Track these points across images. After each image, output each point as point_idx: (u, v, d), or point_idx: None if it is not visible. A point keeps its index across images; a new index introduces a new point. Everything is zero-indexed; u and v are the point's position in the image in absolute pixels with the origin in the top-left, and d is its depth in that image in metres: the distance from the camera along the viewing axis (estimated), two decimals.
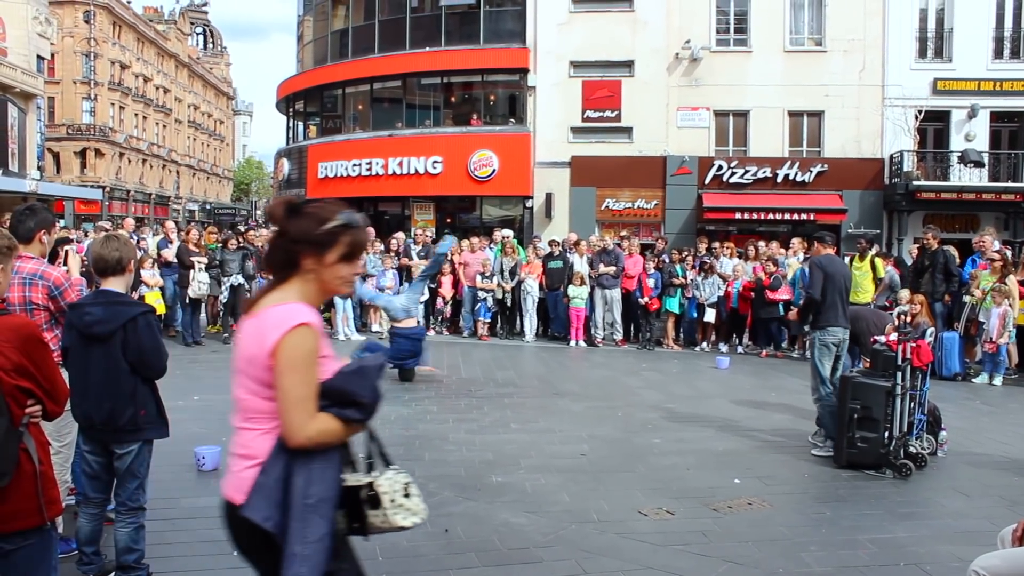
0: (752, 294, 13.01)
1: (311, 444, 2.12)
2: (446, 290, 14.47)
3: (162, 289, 12.45)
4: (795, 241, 14.13)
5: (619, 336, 14.00)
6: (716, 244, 14.65)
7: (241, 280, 12.66)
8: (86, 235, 13.92)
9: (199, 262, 12.33)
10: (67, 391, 2.93)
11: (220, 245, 13.05)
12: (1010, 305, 10.58)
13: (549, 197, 21.93)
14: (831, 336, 6.94)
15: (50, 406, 2.66)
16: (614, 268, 13.65)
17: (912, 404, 6.46)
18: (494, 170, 22.16)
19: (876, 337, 7.02)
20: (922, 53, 22.12)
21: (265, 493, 2.11)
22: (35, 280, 4.06)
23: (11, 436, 2.51)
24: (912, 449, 6.35)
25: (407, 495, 2.27)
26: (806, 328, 8.04)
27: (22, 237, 4.10)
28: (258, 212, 64.74)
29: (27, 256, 4.05)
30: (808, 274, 7.76)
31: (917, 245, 13.26)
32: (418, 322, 10.33)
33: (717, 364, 11.91)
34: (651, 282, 13.44)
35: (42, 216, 4.34)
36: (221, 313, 13.27)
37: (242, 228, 21.35)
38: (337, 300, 13.57)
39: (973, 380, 10.87)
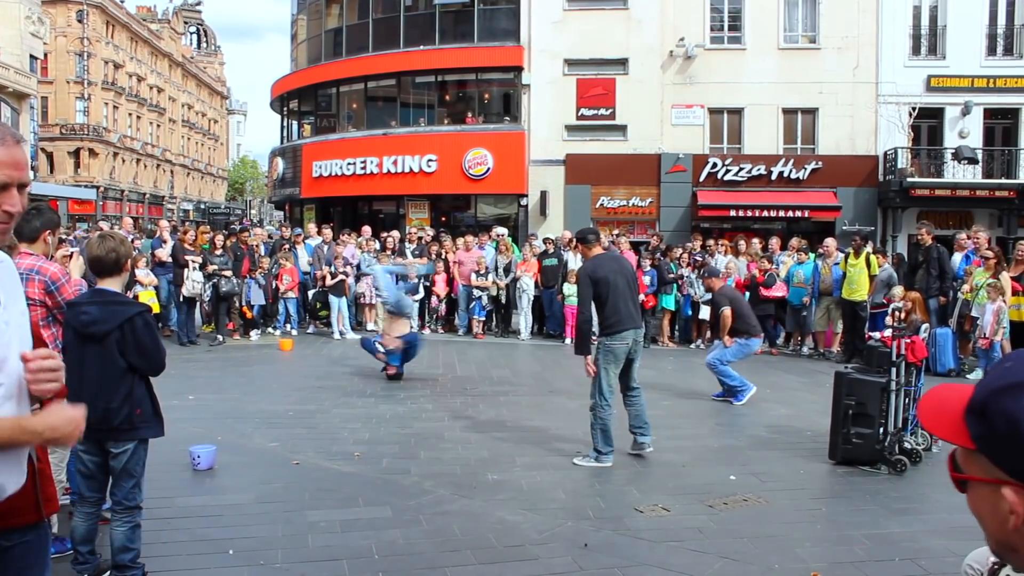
0: (746, 291, 13.01)
1: None
2: (441, 288, 14.46)
3: (156, 288, 12.44)
4: (793, 241, 14.28)
5: None
6: (711, 241, 14.69)
7: (233, 283, 12.55)
8: (76, 238, 13.83)
9: (194, 261, 12.29)
10: (65, 390, 2.91)
11: (208, 245, 12.93)
12: (1004, 301, 10.61)
13: (544, 195, 21.93)
14: (620, 341, 6.23)
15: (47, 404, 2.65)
16: None
17: (907, 400, 6.49)
18: (489, 168, 22.15)
19: (871, 334, 7.03)
20: (916, 50, 22.16)
21: None
22: (31, 275, 4.06)
23: None
24: (907, 445, 6.37)
25: None
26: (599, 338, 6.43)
27: (28, 236, 4.17)
28: (252, 211, 64.50)
29: (26, 252, 4.05)
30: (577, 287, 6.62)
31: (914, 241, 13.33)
32: (411, 327, 10.38)
33: None
34: (646, 280, 13.45)
35: (48, 217, 4.40)
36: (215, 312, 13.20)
37: (236, 227, 21.22)
38: (332, 299, 13.56)
39: (967, 376, 10.89)
